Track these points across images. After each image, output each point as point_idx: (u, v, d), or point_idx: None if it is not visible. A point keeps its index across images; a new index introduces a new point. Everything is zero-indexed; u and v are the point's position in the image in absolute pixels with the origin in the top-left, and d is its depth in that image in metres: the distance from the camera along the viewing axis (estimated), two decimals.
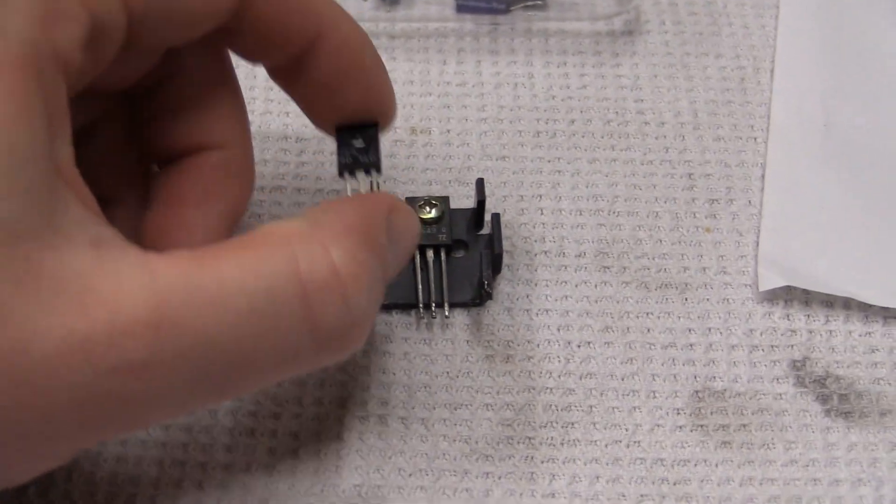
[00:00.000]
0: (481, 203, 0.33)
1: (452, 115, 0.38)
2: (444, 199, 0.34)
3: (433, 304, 0.33)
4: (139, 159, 0.30)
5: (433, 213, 0.33)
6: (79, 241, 0.21)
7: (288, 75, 0.29)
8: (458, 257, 0.34)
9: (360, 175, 0.29)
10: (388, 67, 0.29)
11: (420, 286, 0.33)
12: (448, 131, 0.38)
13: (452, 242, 0.33)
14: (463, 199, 0.36)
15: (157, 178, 0.29)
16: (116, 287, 0.21)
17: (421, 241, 0.30)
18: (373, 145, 0.29)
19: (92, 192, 0.23)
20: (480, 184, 0.33)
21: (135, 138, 0.29)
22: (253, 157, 0.30)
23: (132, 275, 0.21)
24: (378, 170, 0.29)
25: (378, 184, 0.29)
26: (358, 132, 0.29)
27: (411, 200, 0.34)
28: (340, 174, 0.29)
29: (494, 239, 0.33)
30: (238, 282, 0.22)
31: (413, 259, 0.32)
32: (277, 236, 0.23)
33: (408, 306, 0.33)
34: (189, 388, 0.22)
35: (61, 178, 0.21)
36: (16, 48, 0.21)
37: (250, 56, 0.28)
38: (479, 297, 0.33)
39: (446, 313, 0.33)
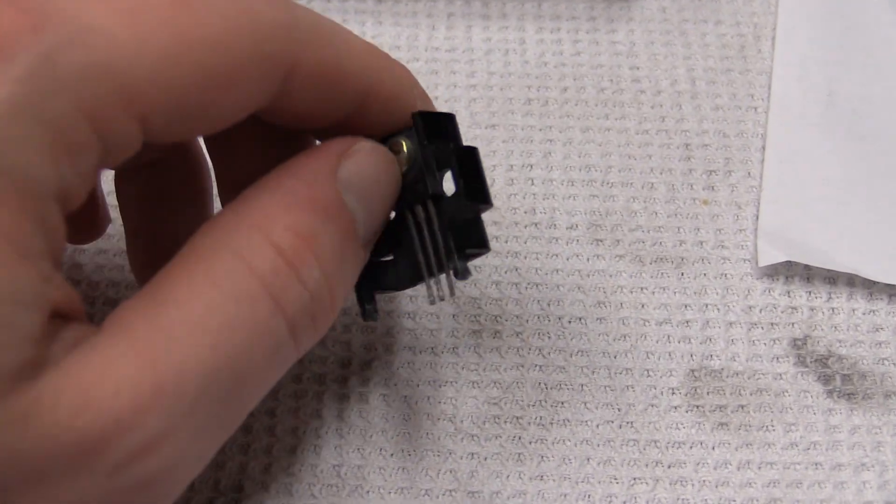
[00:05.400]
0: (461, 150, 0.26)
1: (440, 82, 0.38)
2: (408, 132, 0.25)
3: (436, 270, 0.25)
4: None
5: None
6: (75, 369, 0.20)
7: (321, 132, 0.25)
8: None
9: None
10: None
11: (420, 256, 0.25)
12: (436, 98, 0.37)
13: (434, 193, 0.25)
14: None
15: None
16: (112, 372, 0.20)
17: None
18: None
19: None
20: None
21: None
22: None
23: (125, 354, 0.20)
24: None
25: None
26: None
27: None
28: None
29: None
30: (211, 310, 0.21)
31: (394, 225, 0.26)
32: (217, 244, 0.22)
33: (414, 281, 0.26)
34: (199, 439, 0.21)
35: (54, 304, 0.20)
36: (18, 184, 0.19)
37: (287, 127, 0.25)
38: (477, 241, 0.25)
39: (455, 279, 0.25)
